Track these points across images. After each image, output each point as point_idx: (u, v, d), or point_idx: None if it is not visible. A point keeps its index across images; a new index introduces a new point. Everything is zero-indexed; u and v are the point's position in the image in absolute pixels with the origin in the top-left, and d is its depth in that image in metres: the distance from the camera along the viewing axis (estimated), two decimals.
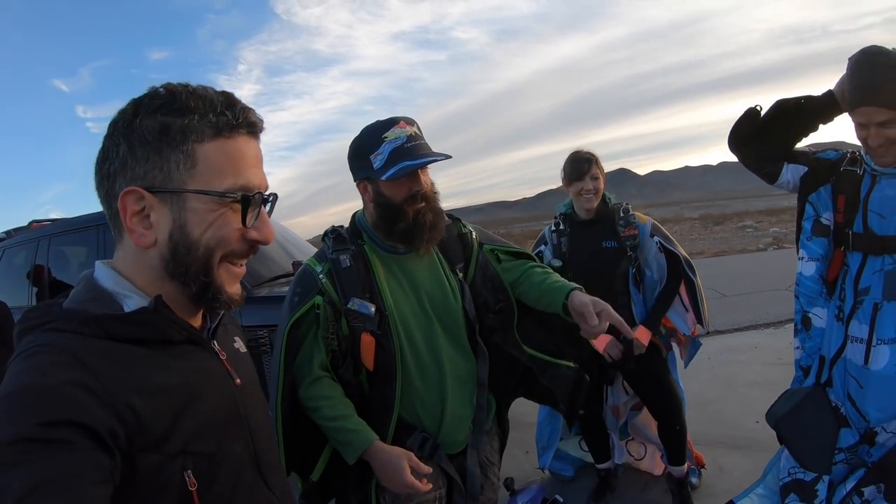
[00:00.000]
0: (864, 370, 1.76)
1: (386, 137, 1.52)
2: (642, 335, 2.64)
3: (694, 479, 3.00)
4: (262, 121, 0.84)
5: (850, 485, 1.82)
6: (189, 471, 0.75)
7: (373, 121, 1.59)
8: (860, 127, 1.71)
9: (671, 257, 2.69)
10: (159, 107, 0.76)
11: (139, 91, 0.79)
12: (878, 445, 1.77)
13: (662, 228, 2.78)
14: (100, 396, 0.67)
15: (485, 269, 1.79)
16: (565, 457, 3.30)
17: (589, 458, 3.19)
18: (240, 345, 0.98)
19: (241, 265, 0.85)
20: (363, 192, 1.62)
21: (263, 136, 0.85)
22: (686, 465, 2.87)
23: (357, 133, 1.61)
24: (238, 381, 0.89)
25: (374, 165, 1.53)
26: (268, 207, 0.86)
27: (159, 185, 0.76)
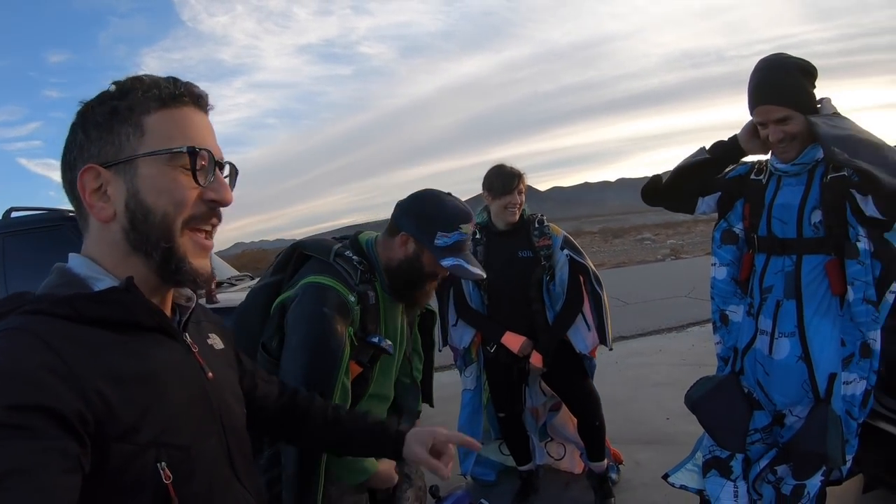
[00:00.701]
0: (768, 359, 1.93)
1: (461, 229, 1.63)
2: (536, 360, 2.78)
3: (613, 475, 3.11)
4: (206, 95, 0.86)
5: (763, 463, 2.02)
6: (163, 463, 0.74)
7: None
8: (761, 126, 1.86)
9: (574, 277, 2.81)
10: (111, 96, 0.81)
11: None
12: (786, 427, 1.94)
13: (574, 241, 2.89)
14: (68, 380, 0.66)
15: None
16: (486, 462, 3.32)
17: (510, 462, 3.22)
18: (215, 341, 0.99)
19: (208, 236, 0.86)
20: (402, 243, 1.66)
21: None
22: (605, 461, 2.97)
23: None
24: (210, 374, 0.89)
25: (437, 242, 1.62)
26: (226, 172, 0.88)
27: (112, 158, 0.79)
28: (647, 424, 3.82)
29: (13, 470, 0.59)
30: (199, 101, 0.85)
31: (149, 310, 0.79)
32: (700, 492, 2.17)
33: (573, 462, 3.27)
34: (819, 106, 1.84)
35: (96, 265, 0.81)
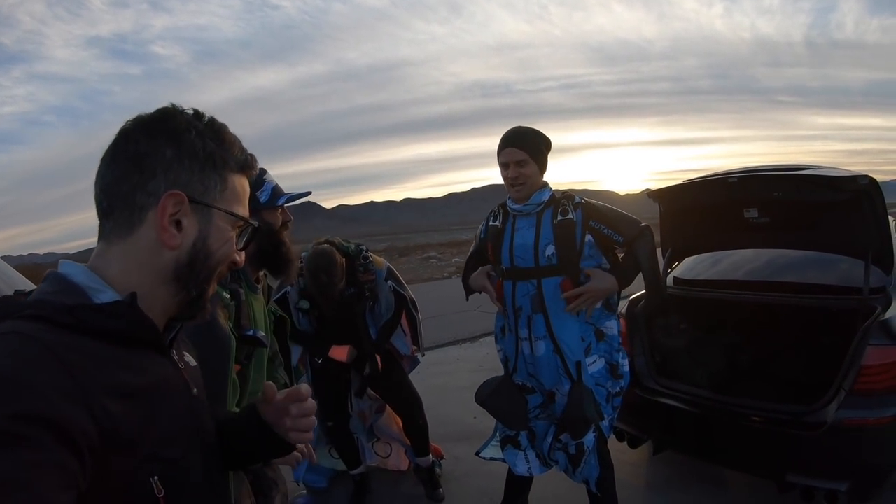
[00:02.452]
0: (532, 356, 2.50)
1: (266, 178, 1.81)
2: (338, 354, 3.07)
3: (438, 469, 3.45)
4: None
5: (549, 438, 2.58)
6: (156, 477, 0.74)
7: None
8: (503, 167, 2.44)
9: (399, 296, 3.18)
10: (204, 131, 0.86)
11: None
12: (557, 403, 2.50)
13: (395, 272, 3.24)
14: (74, 393, 0.65)
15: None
16: (318, 468, 3.46)
17: (341, 466, 3.40)
18: (189, 359, 0.99)
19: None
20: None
21: None
22: (430, 456, 3.32)
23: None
24: (195, 391, 0.91)
25: (260, 199, 1.78)
26: None
27: (198, 197, 0.84)
28: (458, 424, 4.27)
29: (8, 481, 0.57)
30: (254, 173, 0.95)
31: (149, 325, 0.80)
32: (504, 460, 2.70)
33: (399, 459, 3.56)
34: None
35: (96, 276, 0.79)
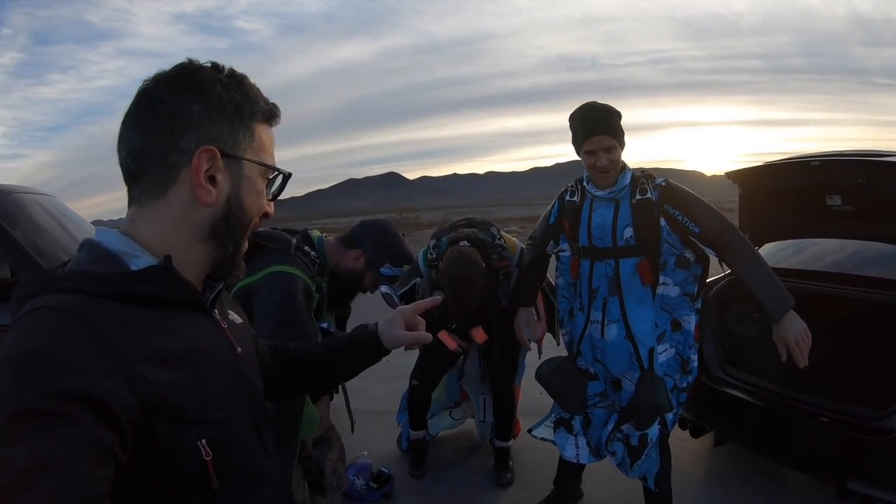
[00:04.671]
0: (601, 341, 2.45)
1: (402, 267, 2.08)
2: (479, 336, 3.04)
3: (511, 461, 3.42)
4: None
5: (610, 426, 2.53)
6: (204, 440, 0.74)
7: None
8: (589, 155, 2.30)
9: None
10: (229, 84, 0.83)
11: None
12: (623, 391, 2.46)
13: None
14: (109, 366, 0.65)
15: None
16: (435, 426, 3.61)
17: (458, 427, 3.65)
18: (235, 317, 0.99)
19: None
20: (356, 257, 2.00)
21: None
22: (510, 441, 3.39)
23: None
24: (239, 349, 0.91)
25: (383, 270, 2.08)
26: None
27: (230, 150, 0.83)
28: (525, 397, 4.27)
29: (46, 461, 0.57)
30: (278, 123, 0.93)
31: (186, 287, 0.79)
32: (554, 442, 2.71)
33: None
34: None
35: (131, 241, 0.79)
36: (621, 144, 2.30)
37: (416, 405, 3.42)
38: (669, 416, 2.40)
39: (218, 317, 0.90)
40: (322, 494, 2.13)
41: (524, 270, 2.72)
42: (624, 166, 2.35)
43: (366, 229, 1.97)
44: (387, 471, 3.21)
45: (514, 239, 3.12)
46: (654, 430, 2.37)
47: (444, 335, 3.03)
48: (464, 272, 2.65)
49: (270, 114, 0.90)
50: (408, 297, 3.12)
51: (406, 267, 1.94)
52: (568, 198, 2.52)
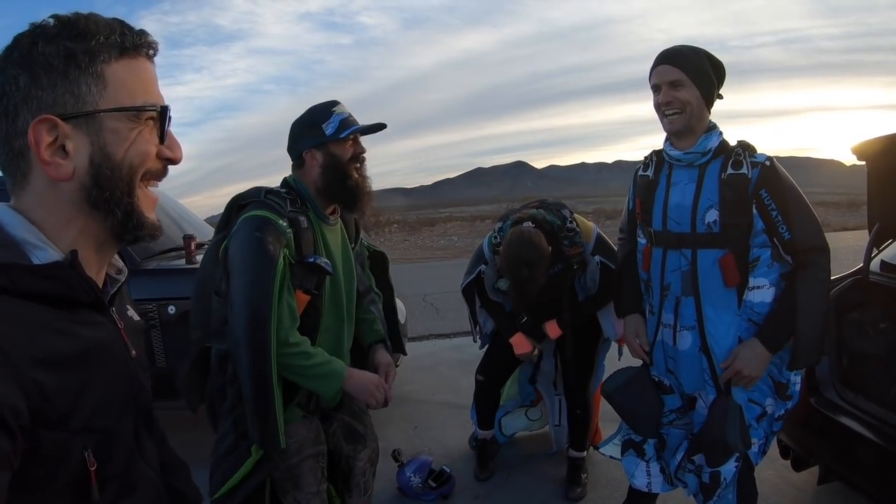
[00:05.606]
0: (674, 349, 2.05)
1: (335, 111, 1.78)
2: (553, 331, 2.82)
3: (584, 474, 3.10)
4: (157, 43, 0.81)
5: (679, 455, 2.16)
6: (89, 450, 0.70)
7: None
8: (655, 92, 1.93)
9: (608, 272, 2.69)
10: (58, 33, 0.72)
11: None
12: (696, 412, 2.07)
13: (606, 241, 2.79)
14: (3, 370, 0.60)
15: (359, 256, 2.07)
16: (509, 425, 3.44)
17: (535, 428, 3.45)
18: (132, 313, 0.94)
19: (155, 188, 0.84)
20: (311, 159, 1.78)
21: None
22: (585, 452, 3.06)
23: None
24: (133, 352, 0.86)
25: (327, 132, 1.76)
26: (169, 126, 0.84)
27: (72, 110, 0.72)
28: (604, 403, 3.93)
29: None
30: (152, 50, 0.80)
31: (89, 286, 0.74)
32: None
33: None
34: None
35: (36, 229, 0.74)
36: (700, 87, 1.88)
37: (483, 402, 3.21)
38: (753, 449, 1.98)
39: (116, 316, 0.84)
40: (347, 494, 2.03)
41: (622, 271, 2.32)
42: (712, 126, 1.94)
43: (288, 141, 1.85)
44: (448, 470, 3.04)
45: (590, 223, 2.81)
46: (729, 468, 1.98)
47: (516, 339, 2.83)
48: (524, 256, 2.43)
49: (125, 45, 0.76)
50: (478, 285, 2.94)
51: (336, 108, 1.79)
52: (641, 172, 2.11)
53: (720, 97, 1.97)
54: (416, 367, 4.99)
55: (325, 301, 1.80)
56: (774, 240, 1.83)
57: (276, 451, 1.63)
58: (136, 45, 0.77)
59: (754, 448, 1.97)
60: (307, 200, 1.79)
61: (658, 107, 1.92)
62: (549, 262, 2.51)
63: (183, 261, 3.53)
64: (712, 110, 1.96)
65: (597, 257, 2.72)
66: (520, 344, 2.85)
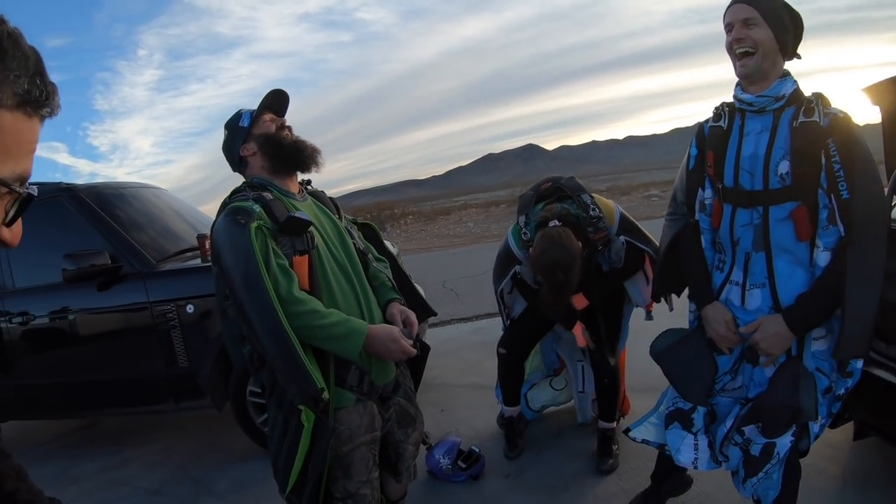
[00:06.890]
0: (740, 310, 1.92)
1: (243, 111, 1.90)
2: (580, 302, 2.76)
3: (615, 445, 3.05)
4: (60, 107, 0.66)
5: (729, 423, 1.97)
6: None
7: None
8: (728, 31, 1.80)
9: (634, 251, 2.71)
10: None
11: None
12: (753, 379, 1.93)
13: (629, 219, 2.78)
14: None
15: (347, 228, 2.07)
16: (535, 398, 3.41)
17: (560, 399, 3.43)
18: None
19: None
20: (248, 152, 1.87)
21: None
22: (615, 423, 3.03)
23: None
24: None
25: (244, 124, 1.86)
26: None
27: None
28: (642, 373, 3.82)
29: None
30: (52, 114, 0.65)
31: None
32: (661, 446, 2.19)
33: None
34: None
35: None
36: (775, 30, 1.75)
37: (506, 377, 3.18)
38: (814, 427, 1.85)
39: None
40: (395, 478, 2.03)
41: (682, 258, 2.11)
42: (786, 73, 1.82)
43: (223, 150, 1.94)
44: (477, 450, 3.00)
45: (610, 203, 2.76)
46: (784, 442, 1.82)
47: (578, 330, 2.80)
48: (559, 261, 2.37)
49: (35, 100, 0.62)
50: (520, 285, 2.92)
51: (242, 109, 1.90)
52: (712, 122, 1.97)
53: (798, 57, 1.84)
54: (439, 352, 4.97)
55: (323, 257, 1.78)
56: (832, 197, 1.70)
57: (317, 396, 1.54)
58: (39, 103, 0.62)
59: (815, 427, 1.85)
60: (267, 186, 1.82)
61: (730, 47, 1.80)
62: (582, 257, 2.46)
63: (198, 260, 3.54)
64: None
65: (622, 237, 2.69)
66: (580, 335, 2.80)
